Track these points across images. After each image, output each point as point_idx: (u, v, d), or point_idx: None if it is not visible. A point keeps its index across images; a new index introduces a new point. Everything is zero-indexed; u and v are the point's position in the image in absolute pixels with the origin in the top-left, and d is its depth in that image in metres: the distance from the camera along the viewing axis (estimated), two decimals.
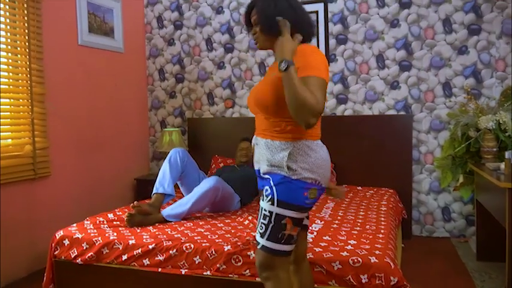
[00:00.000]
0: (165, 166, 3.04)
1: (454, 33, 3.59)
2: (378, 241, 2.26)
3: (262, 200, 1.64)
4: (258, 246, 1.64)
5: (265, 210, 1.61)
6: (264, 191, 1.64)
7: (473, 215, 3.54)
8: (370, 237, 2.33)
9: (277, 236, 1.59)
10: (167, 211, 2.79)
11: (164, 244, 2.31)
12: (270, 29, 1.66)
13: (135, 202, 2.77)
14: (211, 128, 4.28)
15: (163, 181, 2.95)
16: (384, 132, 3.74)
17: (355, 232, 2.42)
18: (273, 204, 1.59)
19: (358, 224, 2.60)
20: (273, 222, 1.59)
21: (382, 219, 2.73)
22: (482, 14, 3.51)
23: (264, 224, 1.61)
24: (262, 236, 1.62)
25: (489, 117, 3.11)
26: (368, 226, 2.56)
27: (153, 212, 2.76)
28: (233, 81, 4.25)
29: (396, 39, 3.75)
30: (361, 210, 2.97)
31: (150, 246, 2.32)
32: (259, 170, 1.74)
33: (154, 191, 2.92)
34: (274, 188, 1.60)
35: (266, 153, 1.66)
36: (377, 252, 2.08)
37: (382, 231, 2.45)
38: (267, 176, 1.66)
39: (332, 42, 3.92)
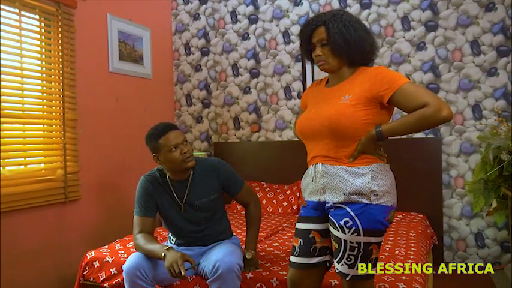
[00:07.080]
0: None
1: (483, 55, 3.54)
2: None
3: (343, 233, 1.60)
4: (347, 278, 1.63)
5: (351, 242, 1.59)
6: (344, 223, 1.60)
7: (508, 241, 3.40)
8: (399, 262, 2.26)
9: (366, 262, 1.61)
10: None
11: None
12: (347, 53, 1.69)
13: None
14: (237, 152, 4.30)
15: None
16: (412, 156, 3.67)
17: (383, 257, 2.36)
18: (358, 235, 1.58)
19: (387, 250, 2.54)
20: (361, 251, 1.59)
21: (412, 244, 2.66)
22: None
23: (352, 255, 1.60)
24: (351, 266, 1.61)
25: None
26: (397, 251, 2.49)
27: None
28: (259, 105, 4.28)
29: (423, 62, 3.72)
30: (390, 235, 2.90)
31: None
32: (313, 202, 1.72)
33: None
34: (356, 218, 1.58)
35: (342, 181, 1.61)
36: (404, 278, 2.02)
37: (411, 256, 2.39)
38: (341, 206, 1.62)
39: None
